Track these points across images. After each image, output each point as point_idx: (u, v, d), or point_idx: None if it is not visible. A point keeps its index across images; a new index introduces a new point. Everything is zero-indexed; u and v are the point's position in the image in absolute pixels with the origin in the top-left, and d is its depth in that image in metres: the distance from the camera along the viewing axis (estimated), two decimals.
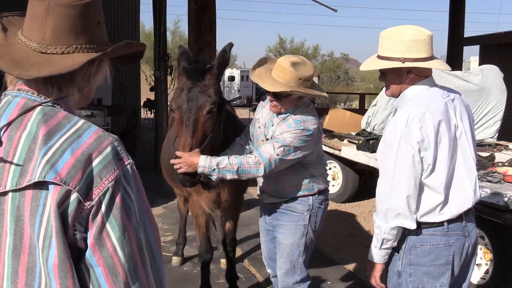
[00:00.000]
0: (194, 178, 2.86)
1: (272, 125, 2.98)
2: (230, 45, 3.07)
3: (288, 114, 2.90)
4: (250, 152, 3.09)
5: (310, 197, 3.01)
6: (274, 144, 2.79)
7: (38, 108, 1.16)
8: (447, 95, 2.36)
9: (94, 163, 1.11)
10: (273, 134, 2.91)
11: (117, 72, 12.25)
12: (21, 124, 1.14)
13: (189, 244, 5.24)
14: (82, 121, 1.16)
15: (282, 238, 3.08)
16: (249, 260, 5.12)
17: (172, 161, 2.80)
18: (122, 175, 1.14)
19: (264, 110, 3.09)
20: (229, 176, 2.77)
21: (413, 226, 2.29)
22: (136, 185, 1.18)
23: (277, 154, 2.77)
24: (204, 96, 2.88)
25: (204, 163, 2.73)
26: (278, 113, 2.94)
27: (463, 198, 2.34)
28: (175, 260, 4.92)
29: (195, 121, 2.84)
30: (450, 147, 2.27)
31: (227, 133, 3.21)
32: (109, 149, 1.14)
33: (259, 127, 3.08)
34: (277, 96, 2.84)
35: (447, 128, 2.26)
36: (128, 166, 1.16)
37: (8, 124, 1.14)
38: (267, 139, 2.97)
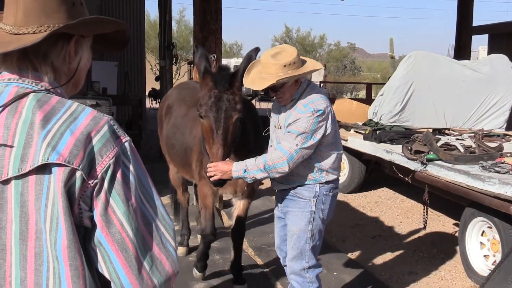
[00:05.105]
0: (226, 181, 3.11)
1: (280, 113, 3.09)
2: (257, 50, 3.22)
3: (295, 100, 2.97)
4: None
5: (318, 185, 3.06)
6: (290, 136, 2.88)
7: (31, 95, 1.18)
8: None
9: (94, 141, 1.14)
10: (286, 122, 2.98)
11: (122, 62, 12.24)
12: (16, 112, 1.16)
13: (193, 234, 5.26)
14: (76, 104, 1.19)
15: (290, 224, 3.15)
16: (255, 250, 5.13)
17: (210, 170, 3.02)
18: (121, 152, 1.17)
19: (274, 103, 3.23)
20: (259, 175, 2.95)
21: None
22: (135, 160, 1.21)
23: (296, 145, 2.87)
24: (232, 104, 3.06)
25: (236, 167, 2.95)
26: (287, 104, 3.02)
27: None
28: (181, 250, 4.94)
29: (225, 130, 3.03)
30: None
31: (245, 123, 3.32)
32: (106, 127, 1.17)
33: (271, 117, 3.24)
34: (274, 89, 2.94)
35: None
36: (126, 143, 1.20)
37: (4, 108, 1.16)
38: (280, 127, 3.07)
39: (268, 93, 3.03)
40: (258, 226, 5.83)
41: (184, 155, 4.09)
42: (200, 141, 3.55)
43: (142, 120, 11.03)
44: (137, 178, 1.19)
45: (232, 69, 3.31)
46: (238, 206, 3.98)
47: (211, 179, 3.03)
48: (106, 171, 1.14)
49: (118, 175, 1.15)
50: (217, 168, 2.99)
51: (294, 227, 3.12)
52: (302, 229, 3.08)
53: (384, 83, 7.66)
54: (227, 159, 3.04)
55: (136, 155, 1.22)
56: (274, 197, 3.46)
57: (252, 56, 3.14)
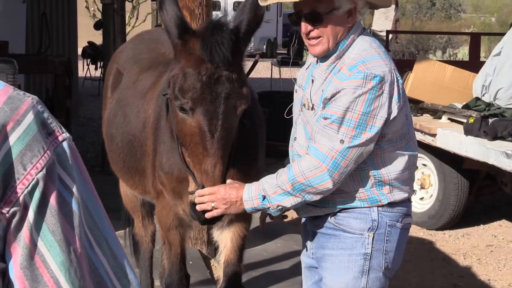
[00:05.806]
0: (221, 217, 3.21)
1: (313, 82, 3.10)
2: None
3: (337, 56, 3.01)
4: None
5: (375, 208, 3.07)
6: (329, 127, 2.89)
7: None
8: None
9: (12, 141, 1.13)
10: (322, 96, 2.99)
11: None
12: None
13: None
14: None
15: (328, 278, 3.18)
16: None
17: (199, 199, 3.04)
18: (56, 159, 1.17)
19: (301, 69, 3.32)
20: (287, 202, 3.00)
21: None
22: (79, 173, 1.21)
23: (341, 141, 2.87)
24: (236, 88, 3.09)
25: (249, 194, 3.01)
26: (321, 56, 3.04)
27: None
28: None
29: (226, 132, 3.08)
30: None
31: None
32: (30, 116, 1.16)
33: (296, 90, 3.28)
34: (314, 17, 2.95)
35: None
36: (64, 144, 1.20)
37: None
38: (312, 107, 3.07)
39: (297, 44, 3.07)
40: (276, 283, 5.84)
41: (130, 152, 4.14)
42: (153, 130, 3.61)
43: (72, 98, 11.07)
44: (83, 204, 1.19)
45: (229, 16, 3.31)
46: (224, 243, 3.94)
47: (208, 214, 3.03)
48: (31, 192, 1.13)
49: (52, 199, 1.15)
50: (218, 197, 3.00)
51: (336, 283, 3.14)
52: (350, 285, 3.10)
53: (503, 34, 7.62)
54: (228, 181, 3.08)
55: (81, 164, 1.23)
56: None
57: (259, 6, 3.16)
